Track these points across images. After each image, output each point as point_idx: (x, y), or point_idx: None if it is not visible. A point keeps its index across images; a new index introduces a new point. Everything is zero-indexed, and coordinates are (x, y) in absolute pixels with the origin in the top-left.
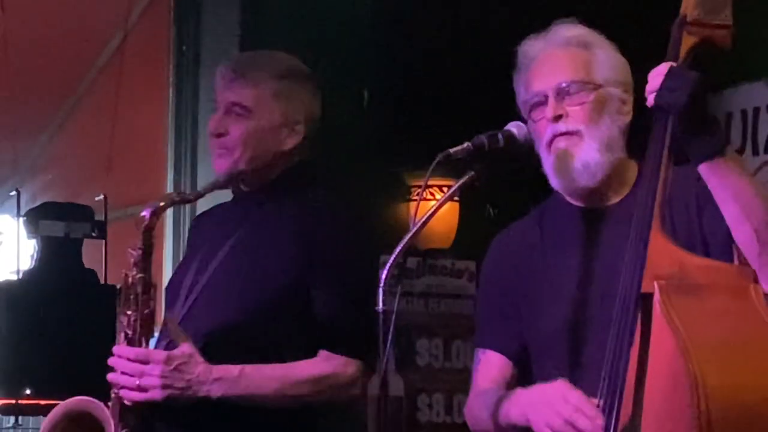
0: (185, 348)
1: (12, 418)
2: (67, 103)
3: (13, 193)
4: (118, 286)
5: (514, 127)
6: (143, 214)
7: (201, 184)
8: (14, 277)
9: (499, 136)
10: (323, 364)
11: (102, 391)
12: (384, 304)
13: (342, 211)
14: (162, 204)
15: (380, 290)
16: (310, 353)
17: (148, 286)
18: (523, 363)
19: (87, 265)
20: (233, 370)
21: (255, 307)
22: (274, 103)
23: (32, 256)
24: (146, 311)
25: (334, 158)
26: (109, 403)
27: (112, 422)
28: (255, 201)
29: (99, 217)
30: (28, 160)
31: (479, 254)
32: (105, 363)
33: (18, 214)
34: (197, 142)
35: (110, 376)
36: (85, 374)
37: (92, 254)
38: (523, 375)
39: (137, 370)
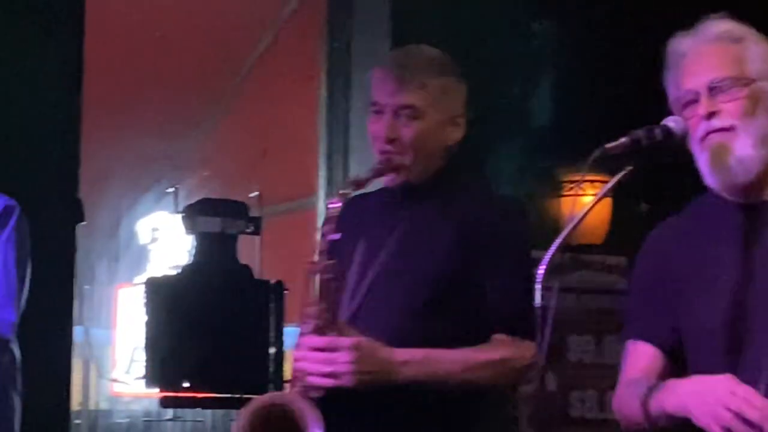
0: (369, 338)
1: (170, 411)
2: (220, 100)
3: (171, 190)
4: (272, 282)
5: (671, 122)
6: (330, 204)
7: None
8: (172, 273)
9: (657, 130)
10: (503, 348)
11: (256, 384)
12: (541, 300)
13: (507, 200)
14: (347, 191)
15: (537, 286)
16: (479, 342)
17: (340, 272)
18: (673, 354)
19: (242, 261)
20: (418, 353)
21: (427, 297)
22: (440, 101)
23: (189, 251)
24: (335, 300)
25: (479, 152)
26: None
27: (313, 412)
28: (418, 194)
29: (254, 213)
30: (185, 157)
31: (631, 250)
32: (259, 357)
33: (175, 211)
34: (349, 137)
35: (297, 366)
36: (240, 368)
37: (247, 250)
38: (674, 366)
39: (327, 358)
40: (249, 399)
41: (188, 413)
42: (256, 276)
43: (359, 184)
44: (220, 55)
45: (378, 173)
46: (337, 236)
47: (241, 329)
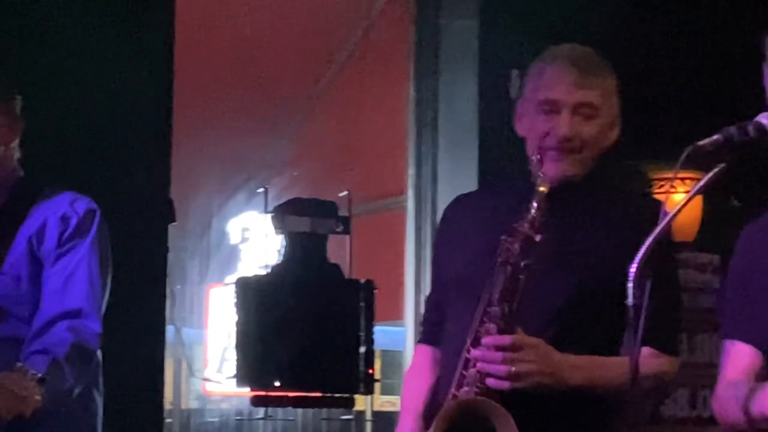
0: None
1: (262, 410)
2: (310, 99)
3: (261, 190)
4: (362, 281)
5: (764, 119)
6: (540, 189)
7: (442, 179)
8: (262, 272)
9: (749, 127)
10: (654, 362)
11: (346, 382)
12: (634, 299)
13: (655, 202)
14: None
15: (630, 284)
16: (615, 345)
17: (530, 276)
18: None
19: (332, 260)
20: (582, 358)
21: (576, 301)
22: (610, 100)
23: (279, 251)
24: (520, 301)
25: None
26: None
27: (508, 415)
28: (571, 194)
29: (343, 212)
30: (275, 157)
31: (723, 247)
32: (349, 356)
33: (265, 211)
34: (438, 136)
35: (479, 367)
36: (330, 367)
37: (337, 249)
38: None
39: (510, 357)
40: (339, 398)
41: (279, 412)
42: (346, 275)
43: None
44: (310, 55)
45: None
46: (537, 237)
47: (332, 328)
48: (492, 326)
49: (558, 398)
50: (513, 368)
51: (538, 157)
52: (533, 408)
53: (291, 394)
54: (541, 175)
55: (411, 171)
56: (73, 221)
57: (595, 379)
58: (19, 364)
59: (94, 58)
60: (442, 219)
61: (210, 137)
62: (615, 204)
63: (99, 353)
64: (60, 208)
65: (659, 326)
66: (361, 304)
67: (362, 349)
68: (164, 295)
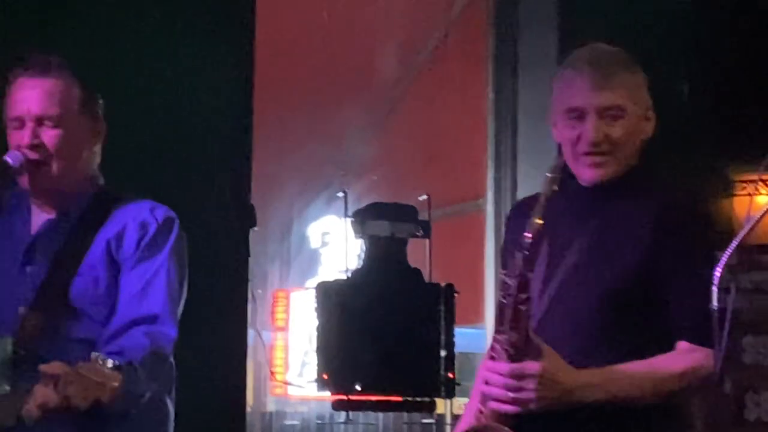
0: (553, 359)
1: (343, 414)
2: (388, 104)
3: (341, 194)
4: (442, 284)
5: None
6: (526, 234)
7: (522, 182)
8: (343, 277)
9: None
10: (686, 357)
11: (427, 386)
12: (718, 302)
13: (698, 201)
14: (537, 221)
15: (714, 288)
16: (664, 345)
17: (531, 306)
18: None
19: (411, 264)
20: (599, 374)
21: (618, 300)
22: (637, 96)
23: (359, 255)
24: (527, 327)
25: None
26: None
27: None
28: (610, 192)
29: (422, 216)
30: (354, 161)
31: None
32: (430, 360)
33: (345, 215)
34: (517, 140)
35: (484, 389)
36: (411, 371)
37: (416, 253)
38: None
39: (512, 386)
40: (420, 401)
41: (360, 416)
42: (426, 279)
43: (544, 209)
44: (389, 59)
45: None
46: (528, 276)
47: (412, 332)
48: (501, 351)
49: (596, 408)
50: (512, 395)
51: (551, 176)
52: (574, 419)
53: (372, 398)
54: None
55: (490, 174)
56: (153, 228)
57: (611, 394)
58: (95, 354)
59: (176, 62)
60: (506, 225)
61: (290, 142)
62: (650, 202)
63: (172, 360)
64: (140, 215)
65: (693, 319)
66: (442, 307)
67: (443, 353)
68: (246, 300)
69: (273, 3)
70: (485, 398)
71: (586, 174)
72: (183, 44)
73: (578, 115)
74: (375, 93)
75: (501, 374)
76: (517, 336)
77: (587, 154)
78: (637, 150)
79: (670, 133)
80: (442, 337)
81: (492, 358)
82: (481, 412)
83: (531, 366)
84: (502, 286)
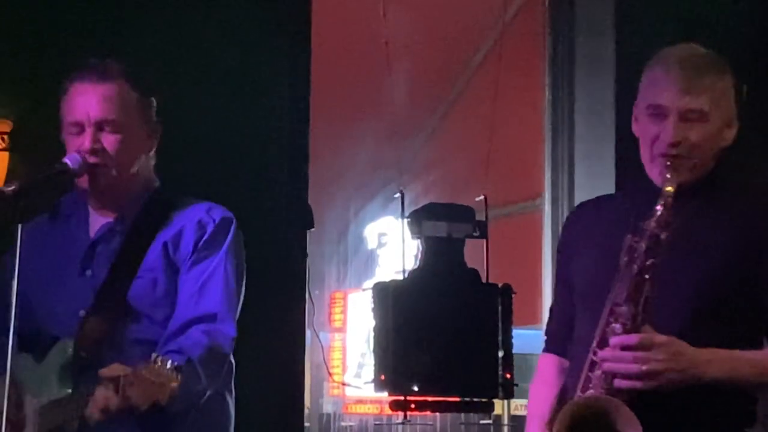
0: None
1: (401, 415)
2: (445, 104)
3: (398, 195)
4: (500, 285)
5: None
6: (667, 188)
7: (579, 182)
8: (399, 277)
9: None
10: None
11: (485, 387)
12: None
13: None
14: (681, 179)
15: None
16: (755, 343)
17: (656, 276)
18: None
19: (469, 264)
20: (720, 352)
21: (697, 303)
22: (722, 103)
23: (416, 256)
24: (648, 301)
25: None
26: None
27: (633, 415)
28: (689, 195)
29: (479, 216)
30: (411, 162)
31: None
32: (488, 360)
33: (402, 216)
34: (574, 140)
35: (605, 367)
36: (468, 372)
37: (473, 253)
38: None
39: (641, 357)
40: (478, 402)
41: (417, 417)
42: (483, 279)
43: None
44: (444, 59)
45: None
46: (662, 236)
47: (470, 333)
48: (618, 326)
49: (690, 399)
50: (643, 367)
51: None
52: (664, 409)
53: (430, 399)
54: (668, 176)
55: (547, 174)
56: (210, 228)
57: (734, 372)
58: (155, 355)
59: (232, 63)
60: (565, 227)
61: (346, 143)
62: (737, 205)
63: (231, 358)
64: (197, 216)
65: None
66: (499, 308)
67: (500, 354)
68: (305, 301)
69: (329, 3)
70: (607, 379)
71: (657, 175)
72: (240, 45)
73: (660, 113)
74: (431, 94)
75: (627, 347)
76: (636, 309)
77: (663, 155)
78: (714, 156)
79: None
80: (500, 338)
81: (602, 338)
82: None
83: (660, 336)
84: (628, 252)
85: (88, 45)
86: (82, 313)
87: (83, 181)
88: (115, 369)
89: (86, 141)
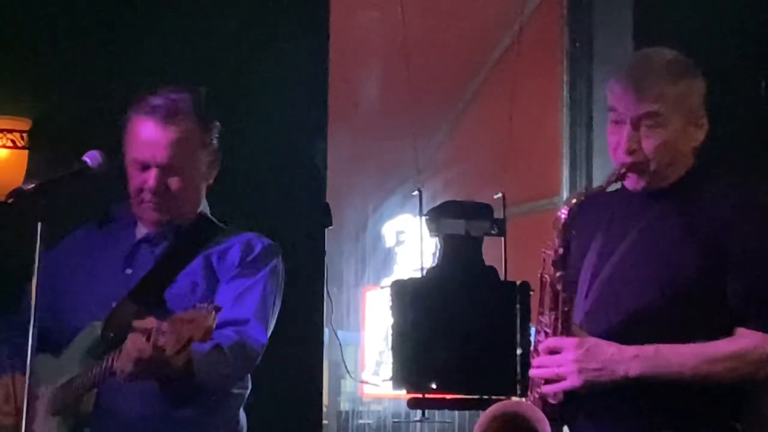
0: (592, 337)
1: (419, 412)
2: (463, 101)
3: (415, 192)
4: (518, 283)
5: None
6: (560, 213)
7: (597, 180)
8: (418, 275)
9: None
10: (741, 341)
11: (503, 385)
12: None
13: (754, 195)
14: (575, 201)
15: None
16: (718, 338)
17: (569, 284)
18: None
19: (487, 263)
20: (648, 348)
21: (667, 294)
22: (681, 105)
23: (434, 254)
24: (566, 309)
25: (729, 149)
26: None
27: (545, 420)
28: (661, 196)
29: (498, 214)
30: (428, 160)
31: None
32: (506, 358)
33: (420, 213)
34: (592, 138)
35: (531, 372)
36: (487, 369)
37: (491, 251)
38: None
39: (554, 360)
40: (496, 400)
41: (436, 414)
42: (502, 277)
43: (594, 195)
44: (462, 57)
45: (616, 181)
46: (561, 251)
47: (488, 331)
48: (542, 335)
49: (623, 394)
50: (556, 369)
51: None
52: (633, 403)
53: (448, 397)
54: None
55: (565, 172)
56: (258, 249)
57: (660, 368)
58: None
59: (251, 63)
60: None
61: (364, 141)
62: (708, 205)
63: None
64: (246, 237)
65: (754, 306)
66: (517, 306)
67: (519, 351)
68: (323, 299)
69: (348, 2)
70: (533, 386)
71: (628, 182)
72: (259, 44)
73: (619, 120)
74: (450, 91)
75: (544, 350)
76: (555, 316)
77: (623, 163)
78: (685, 156)
79: (748, 129)
80: (518, 336)
81: (536, 344)
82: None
83: (567, 339)
84: (542, 265)
85: (106, 45)
86: (114, 303)
87: (144, 210)
88: (149, 321)
89: (150, 180)
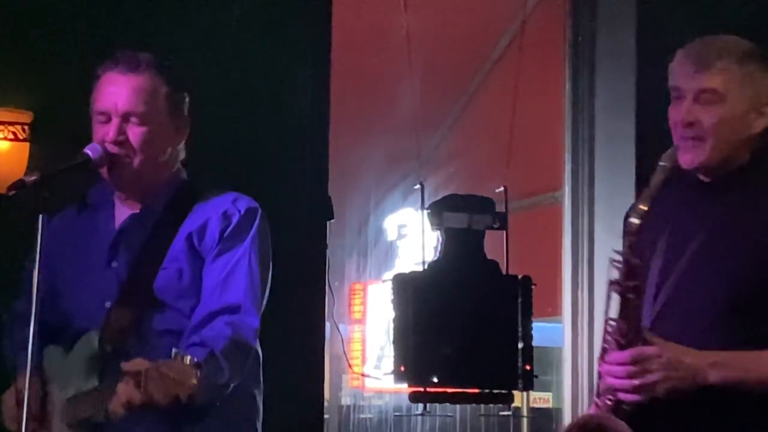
0: (669, 344)
1: (420, 406)
2: (464, 95)
3: (417, 186)
4: (519, 277)
5: None
6: (632, 220)
7: (599, 174)
8: (419, 269)
9: None
10: None
11: (504, 379)
12: None
13: None
14: (643, 207)
15: None
16: None
17: (641, 294)
18: None
19: (489, 256)
20: (725, 354)
21: (742, 295)
22: (744, 87)
23: (436, 247)
24: (638, 315)
25: None
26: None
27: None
28: (725, 188)
29: (500, 208)
30: (431, 153)
31: None
32: (508, 352)
33: (422, 207)
34: (594, 132)
35: (607, 381)
36: (488, 363)
37: (493, 245)
38: None
39: (635, 371)
40: (498, 394)
41: (437, 408)
42: (504, 271)
43: (658, 193)
44: (465, 51)
45: (672, 166)
46: (637, 261)
47: (489, 324)
48: (611, 340)
49: (701, 400)
50: (636, 381)
51: (662, 164)
52: (692, 414)
53: (449, 391)
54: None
55: (567, 166)
56: (235, 219)
57: (739, 373)
58: (175, 350)
59: (253, 57)
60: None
61: (366, 134)
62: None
63: (260, 350)
64: (222, 207)
65: None
66: (519, 300)
67: (520, 345)
68: (324, 292)
69: None
70: (607, 393)
71: (681, 157)
72: (261, 39)
73: (680, 95)
74: (452, 85)
75: (620, 363)
76: (627, 325)
77: (681, 137)
78: (743, 144)
79: None
80: (520, 329)
81: (604, 350)
82: (597, 406)
83: (649, 348)
84: (612, 273)
85: (110, 37)
86: (107, 304)
87: (104, 171)
88: (136, 364)
89: (111, 131)
